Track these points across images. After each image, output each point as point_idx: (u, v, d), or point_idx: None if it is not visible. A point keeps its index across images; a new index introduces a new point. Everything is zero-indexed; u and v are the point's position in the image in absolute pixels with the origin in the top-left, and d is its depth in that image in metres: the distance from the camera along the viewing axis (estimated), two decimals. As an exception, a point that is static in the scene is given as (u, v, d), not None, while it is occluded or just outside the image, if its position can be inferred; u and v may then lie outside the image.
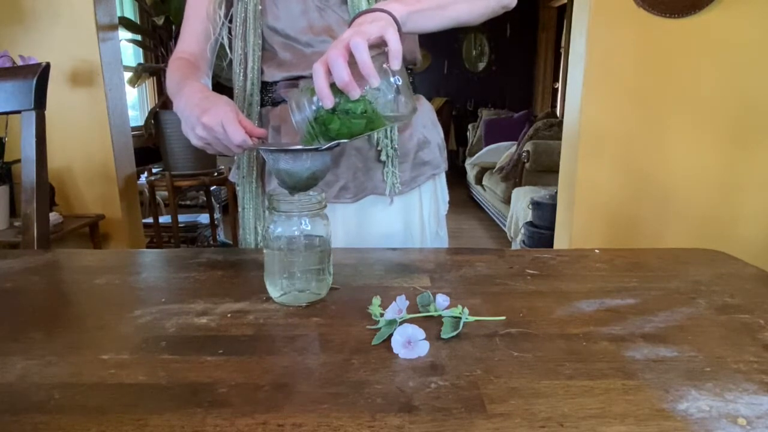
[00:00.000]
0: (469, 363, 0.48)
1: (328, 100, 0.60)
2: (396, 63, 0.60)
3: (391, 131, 0.87)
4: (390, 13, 0.65)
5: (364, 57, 0.58)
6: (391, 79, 0.62)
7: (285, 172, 0.62)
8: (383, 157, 0.88)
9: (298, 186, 0.63)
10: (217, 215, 3.33)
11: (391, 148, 0.88)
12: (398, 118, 0.65)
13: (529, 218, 3.01)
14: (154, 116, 2.73)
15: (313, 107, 0.62)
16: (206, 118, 0.67)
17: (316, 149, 0.61)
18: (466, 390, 0.43)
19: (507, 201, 3.79)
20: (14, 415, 0.41)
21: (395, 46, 0.60)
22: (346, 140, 0.65)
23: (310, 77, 0.61)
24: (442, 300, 0.58)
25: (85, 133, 2.10)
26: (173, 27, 2.69)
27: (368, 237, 0.92)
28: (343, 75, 0.58)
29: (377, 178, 0.90)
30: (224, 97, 0.71)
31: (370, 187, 0.90)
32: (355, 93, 0.59)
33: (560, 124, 3.49)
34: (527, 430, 0.38)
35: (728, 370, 0.46)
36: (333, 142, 0.63)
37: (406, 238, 0.94)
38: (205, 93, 0.73)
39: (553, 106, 6.23)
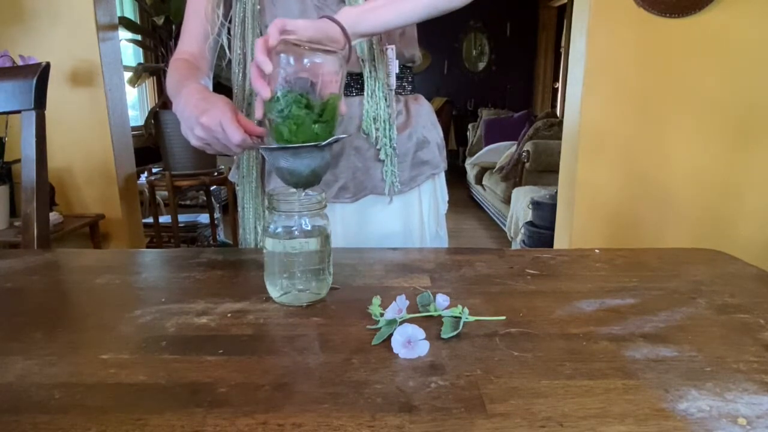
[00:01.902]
0: (469, 363, 0.48)
1: (264, 92, 0.62)
2: (271, 41, 0.62)
3: (389, 130, 0.87)
4: (332, 19, 0.69)
5: (255, 53, 0.61)
6: (305, 60, 0.62)
7: (285, 170, 0.62)
8: (382, 156, 0.88)
9: (299, 183, 0.64)
10: (217, 215, 3.33)
11: (390, 147, 0.88)
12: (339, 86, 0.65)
13: (529, 218, 3.01)
14: (154, 116, 2.73)
15: (272, 140, 0.63)
16: (205, 119, 0.67)
17: (315, 146, 0.61)
18: (466, 390, 0.43)
19: (507, 201, 3.79)
20: (14, 414, 0.41)
21: (269, 31, 0.62)
22: (344, 136, 0.66)
23: None
24: (442, 300, 0.58)
25: (85, 133, 2.10)
26: (173, 27, 2.69)
27: (367, 237, 0.92)
28: (251, 76, 0.62)
29: (376, 177, 0.90)
30: (223, 97, 0.71)
31: (370, 186, 0.90)
32: (264, 92, 0.62)
33: (560, 123, 3.50)
34: (527, 430, 0.38)
35: (728, 370, 0.46)
36: (332, 138, 0.62)
37: (406, 238, 0.94)
38: (204, 93, 0.73)
39: (553, 106, 6.23)
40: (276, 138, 0.63)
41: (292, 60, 0.62)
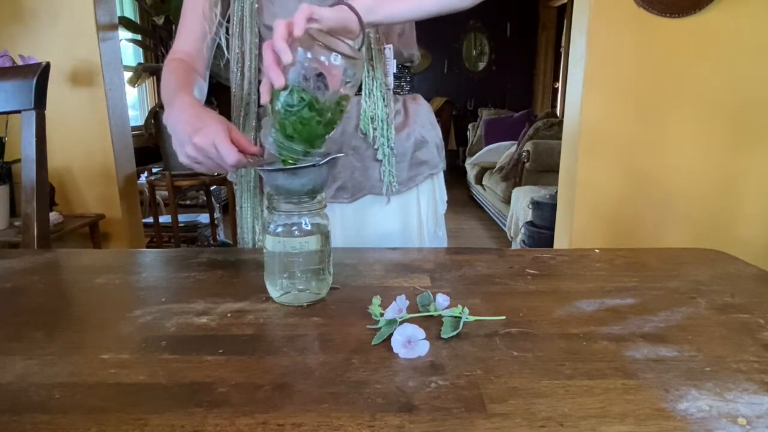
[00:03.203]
0: (469, 363, 0.48)
1: (277, 81, 0.60)
2: (297, 30, 0.60)
3: (387, 130, 0.87)
4: (350, 6, 0.67)
5: (274, 38, 0.60)
6: (326, 59, 0.61)
7: (283, 188, 0.61)
8: (380, 156, 0.88)
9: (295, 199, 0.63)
10: (217, 215, 3.33)
11: (388, 146, 0.88)
12: (347, 89, 0.64)
13: (529, 218, 3.01)
14: (154, 116, 2.74)
15: (271, 128, 0.62)
16: (198, 139, 0.65)
17: (313, 165, 0.60)
18: (466, 390, 0.43)
19: (507, 201, 3.79)
20: (14, 414, 0.41)
21: (296, 18, 0.61)
22: (341, 155, 0.65)
23: None
24: (442, 300, 0.58)
25: (85, 133, 2.10)
26: (173, 26, 2.69)
27: (366, 237, 0.92)
28: (265, 60, 0.60)
29: (374, 177, 0.90)
30: (215, 115, 0.70)
31: (368, 186, 0.90)
32: (278, 82, 0.60)
33: (560, 123, 3.50)
34: (527, 430, 0.38)
35: (728, 370, 0.46)
36: (330, 157, 0.62)
37: (405, 238, 0.94)
38: (196, 109, 0.71)
39: (553, 106, 6.23)
40: (278, 128, 0.61)
41: (311, 55, 0.60)
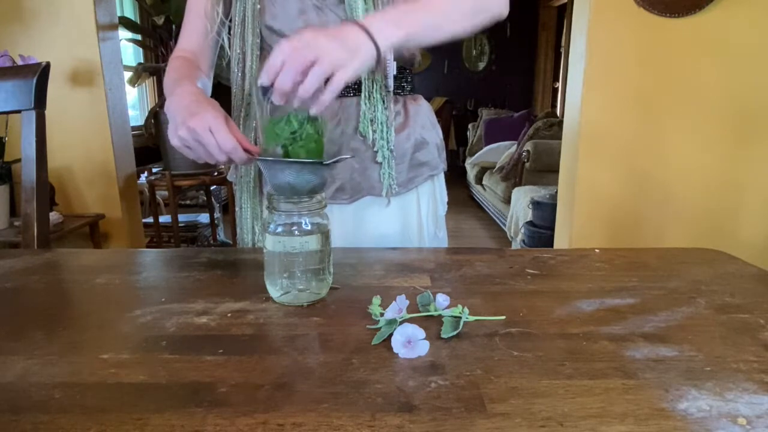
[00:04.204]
0: (469, 363, 0.48)
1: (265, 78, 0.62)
2: (315, 110, 0.62)
3: (387, 132, 0.87)
4: (374, 42, 0.64)
5: (310, 82, 0.61)
6: None
7: (288, 185, 0.61)
8: (380, 158, 0.88)
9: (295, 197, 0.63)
10: (217, 215, 3.33)
11: (388, 149, 0.87)
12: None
13: (529, 218, 3.01)
14: (154, 116, 2.73)
15: (279, 166, 0.62)
16: (193, 122, 0.66)
17: (320, 163, 0.60)
18: (466, 390, 0.43)
19: (507, 201, 3.79)
20: (15, 414, 0.41)
21: (327, 97, 0.62)
22: (348, 156, 0.67)
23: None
24: (442, 300, 0.58)
25: (85, 133, 2.10)
26: (173, 26, 2.69)
27: (365, 238, 0.92)
28: (286, 83, 0.61)
29: (374, 178, 0.89)
30: (215, 103, 0.70)
31: (367, 187, 0.90)
32: (320, 108, 0.61)
33: (560, 123, 3.50)
34: (527, 430, 0.38)
35: (728, 370, 0.46)
36: (338, 158, 0.62)
37: (404, 240, 0.94)
38: (197, 96, 0.72)
39: (554, 106, 6.23)
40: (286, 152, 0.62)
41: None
